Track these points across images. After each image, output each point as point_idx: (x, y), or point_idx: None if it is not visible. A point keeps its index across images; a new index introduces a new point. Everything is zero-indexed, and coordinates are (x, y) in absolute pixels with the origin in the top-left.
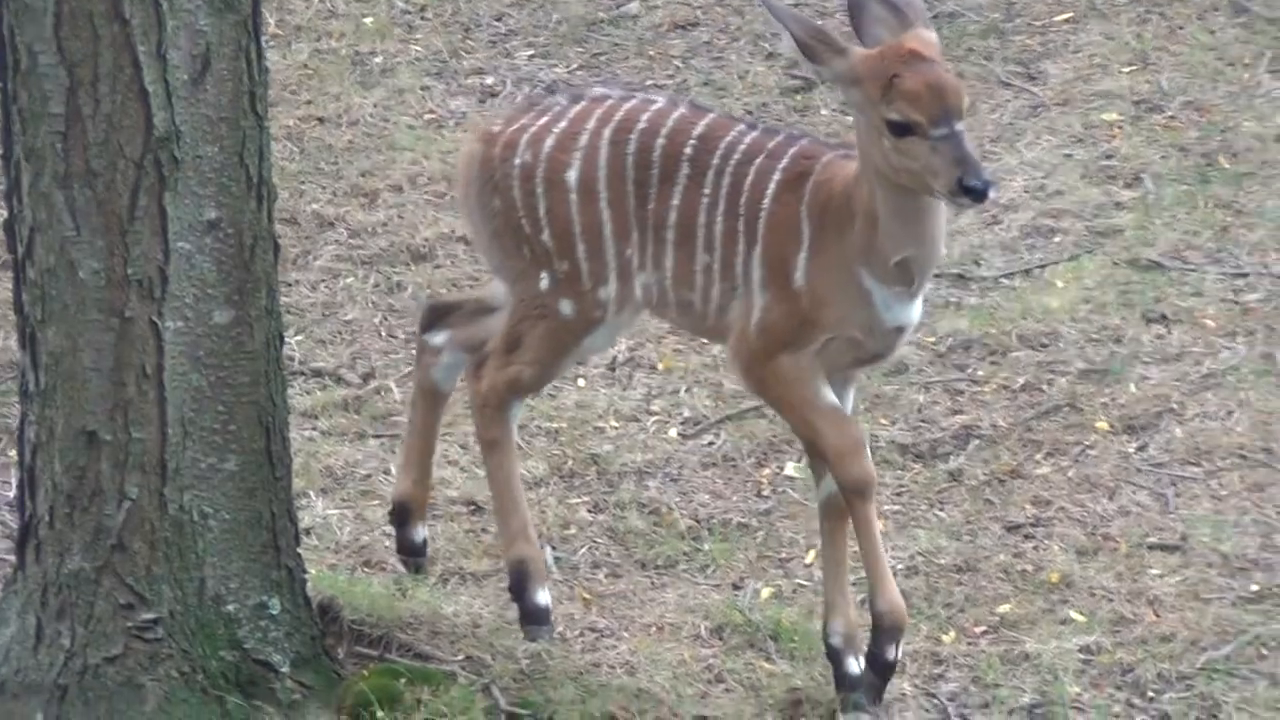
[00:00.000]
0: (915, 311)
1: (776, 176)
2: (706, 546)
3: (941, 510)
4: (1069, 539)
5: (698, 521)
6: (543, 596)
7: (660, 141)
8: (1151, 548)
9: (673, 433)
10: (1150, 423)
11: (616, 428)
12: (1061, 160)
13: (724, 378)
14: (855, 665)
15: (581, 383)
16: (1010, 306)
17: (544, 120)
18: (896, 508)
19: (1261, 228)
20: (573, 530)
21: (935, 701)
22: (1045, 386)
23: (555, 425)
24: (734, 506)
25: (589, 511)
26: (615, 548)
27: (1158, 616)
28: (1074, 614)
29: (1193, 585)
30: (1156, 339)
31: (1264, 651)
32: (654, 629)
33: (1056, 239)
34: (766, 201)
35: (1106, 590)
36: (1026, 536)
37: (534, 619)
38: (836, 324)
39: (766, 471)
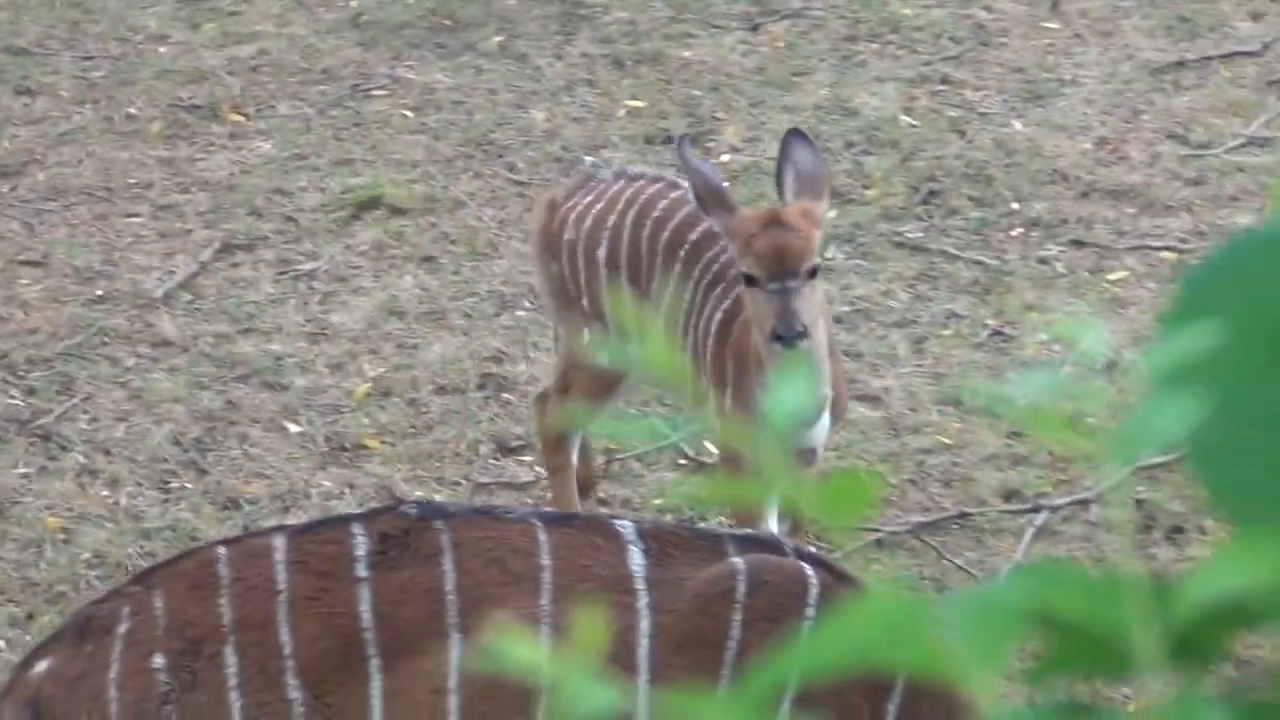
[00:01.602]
0: (819, 434)
1: (718, 316)
2: None
3: None
4: None
5: None
6: None
7: (665, 235)
8: (22, 263)
9: None
10: (20, 169)
11: None
12: None
13: None
14: None
15: None
16: None
17: (589, 199)
18: None
19: (104, 21)
20: None
21: None
22: None
23: None
24: None
25: None
26: None
27: (26, 316)
28: None
29: (53, 291)
30: (25, 106)
31: (106, 340)
32: None
33: None
34: (711, 342)
35: None
36: None
37: None
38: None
39: None
